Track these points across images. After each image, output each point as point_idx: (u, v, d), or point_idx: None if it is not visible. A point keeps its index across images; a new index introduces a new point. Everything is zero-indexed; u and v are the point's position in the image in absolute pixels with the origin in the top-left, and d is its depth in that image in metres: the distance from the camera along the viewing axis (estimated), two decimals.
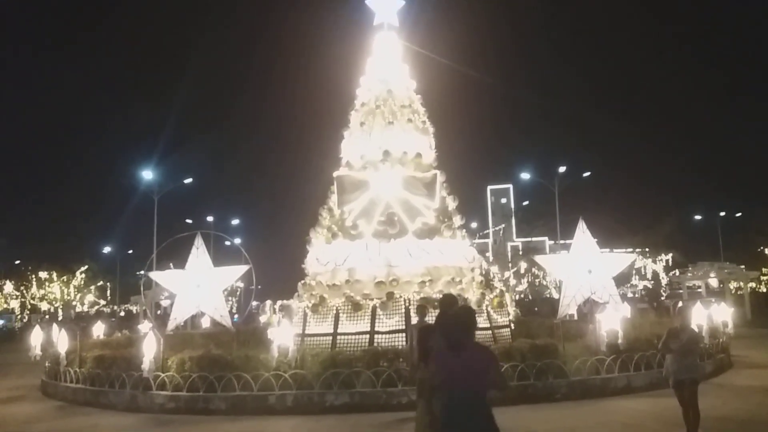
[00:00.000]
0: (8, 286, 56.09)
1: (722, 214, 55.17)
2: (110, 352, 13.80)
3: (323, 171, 19.02)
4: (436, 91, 23.27)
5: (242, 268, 16.30)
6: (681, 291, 45.70)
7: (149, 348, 11.75)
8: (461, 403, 4.55)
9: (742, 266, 44.33)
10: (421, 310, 11.37)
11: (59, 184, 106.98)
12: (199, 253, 15.18)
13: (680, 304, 19.09)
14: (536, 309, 30.83)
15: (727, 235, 55.06)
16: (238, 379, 11.33)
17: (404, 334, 13.32)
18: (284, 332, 12.10)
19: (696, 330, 9.75)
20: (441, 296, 7.41)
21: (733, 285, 45.67)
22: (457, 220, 17.55)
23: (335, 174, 17.59)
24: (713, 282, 44.95)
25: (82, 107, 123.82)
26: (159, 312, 37.90)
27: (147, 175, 38.17)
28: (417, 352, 7.40)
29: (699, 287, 45.49)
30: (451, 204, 17.76)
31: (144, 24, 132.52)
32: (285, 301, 17.13)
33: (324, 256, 16.68)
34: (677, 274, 48.55)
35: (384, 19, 19.05)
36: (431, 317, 12.10)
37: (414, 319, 12.19)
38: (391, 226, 16.34)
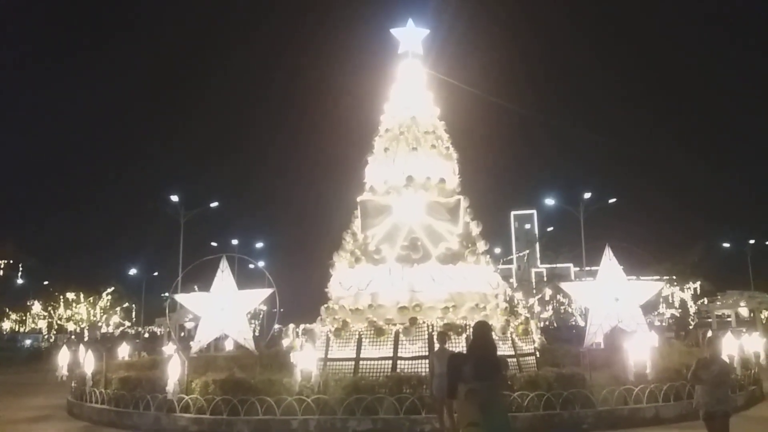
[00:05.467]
0: (36, 306, 57.23)
1: (752, 241, 54.02)
2: (135, 373, 13.93)
3: (347, 196, 19.16)
4: (460, 117, 23.37)
5: (266, 291, 16.39)
6: (710, 320, 44.65)
7: (173, 370, 11.85)
8: None
9: None
10: (442, 336, 11.36)
11: (87, 206, 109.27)
12: (224, 276, 15.34)
13: (710, 333, 18.68)
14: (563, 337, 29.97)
15: (757, 263, 53.83)
16: (261, 402, 11.34)
17: (427, 361, 13.21)
18: (307, 356, 12.10)
19: (727, 361, 9.52)
20: (474, 324, 7.34)
21: (764, 315, 44.47)
22: (481, 246, 17.46)
23: (359, 199, 17.69)
24: (743, 311, 43.88)
25: (108, 130, 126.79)
26: (183, 334, 38.14)
27: (173, 198, 38.85)
28: (448, 382, 7.15)
29: (728, 316, 44.42)
30: (475, 229, 17.68)
31: (165, 51, 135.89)
32: (308, 325, 17.13)
33: (347, 280, 16.70)
34: (706, 302, 47.46)
35: (409, 48, 19.27)
36: (451, 345, 12.08)
37: (435, 346, 12.13)
38: (415, 251, 16.30)
